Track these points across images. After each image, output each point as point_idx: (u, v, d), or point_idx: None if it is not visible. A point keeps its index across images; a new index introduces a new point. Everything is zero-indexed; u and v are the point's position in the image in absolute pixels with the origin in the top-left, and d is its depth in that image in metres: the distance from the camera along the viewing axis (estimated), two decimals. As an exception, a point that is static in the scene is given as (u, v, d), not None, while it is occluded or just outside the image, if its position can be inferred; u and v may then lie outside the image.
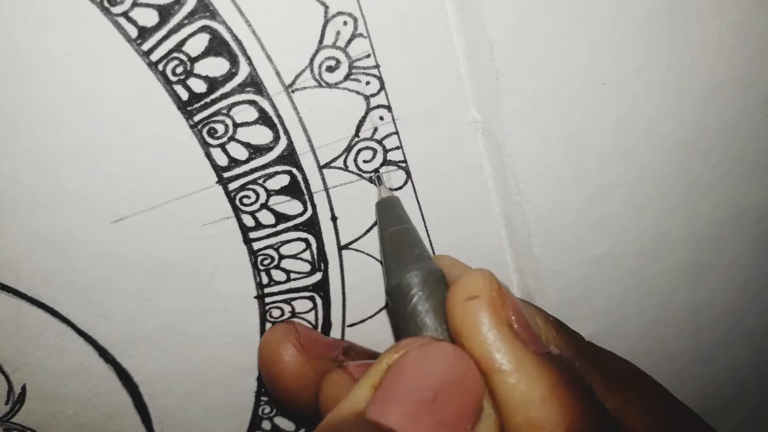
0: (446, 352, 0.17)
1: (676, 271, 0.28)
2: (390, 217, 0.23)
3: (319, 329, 0.26)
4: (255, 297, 0.25)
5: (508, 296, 0.18)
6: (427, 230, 0.25)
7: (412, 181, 0.25)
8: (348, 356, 0.25)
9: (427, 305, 0.19)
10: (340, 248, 0.25)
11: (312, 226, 0.25)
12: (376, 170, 0.24)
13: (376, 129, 0.23)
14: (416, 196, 0.25)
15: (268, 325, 0.26)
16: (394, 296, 0.20)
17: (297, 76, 0.22)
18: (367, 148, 0.24)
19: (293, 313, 0.26)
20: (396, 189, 0.25)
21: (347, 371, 0.23)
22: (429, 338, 0.18)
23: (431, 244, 0.26)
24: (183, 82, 0.21)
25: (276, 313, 0.26)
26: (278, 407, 0.27)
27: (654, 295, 0.28)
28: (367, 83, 0.22)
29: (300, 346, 0.23)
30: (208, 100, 0.22)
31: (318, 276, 0.26)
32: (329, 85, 0.22)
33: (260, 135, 0.22)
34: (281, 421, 0.28)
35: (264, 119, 0.22)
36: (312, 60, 0.22)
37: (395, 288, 0.20)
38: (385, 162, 0.24)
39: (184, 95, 0.21)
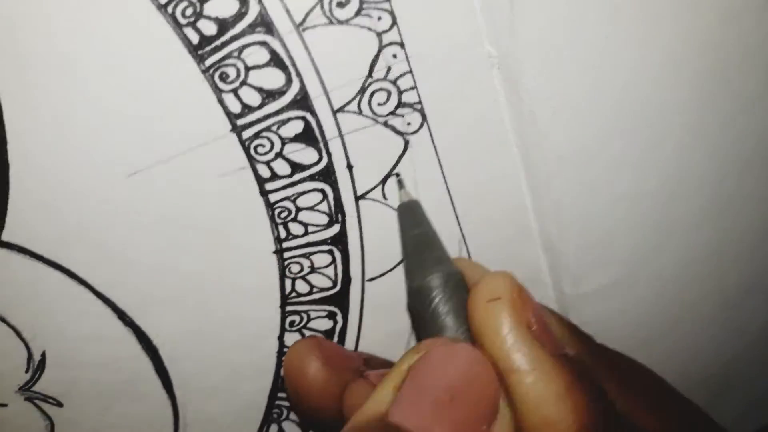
0: (464, 353, 0.18)
1: (698, 209, 0.28)
2: (411, 220, 0.23)
3: (339, 284, 0.26)
4: (274, 252, 0.25)
5: (528, 298, 0.19)
6: (444, 174, 0.25)
7: (427, 124, 0.24)
8: (369, 366, 0.25)
9: (448, 307, 0.20)
10: (357, 198, 0.25)
11: (328, 175, 0.24)
12: (397, 174, 0.24)
13: (389, 68, 0.23)
14: (432, 139, 0.25)
15: (287, 281, 0.25)
16: (416, 298, 0.21)
17: (307, 14, 0.21)
18: (381, 89, 0.23)
19: (312, 268, 0.25)
20: (412, 133, 0.24)
21: (368, 380, 0.23)
22: (448, 339, 0.19)
23: (447, 188, 0.25)
24: (193, 25, 0.21)
25: (295, 268, 0.25)
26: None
27: (677, 235, 0.28)
28: (379, 18, 0.22)
29: (323, 359, 0.24)
30: (218, 42, 0.21)
31: (336, 228, 0.25)
32: (340, 22, 0.22)
33: (272, 78, 0.22)
34: (305, 382, 0.27)
35: (275, 61, 0.22)
36: (322, -3, 0.21)
37: (417, 290, 0.21)
38: (400, 104, 0.24)
39: (195, 38, 0.21)
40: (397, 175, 0.24)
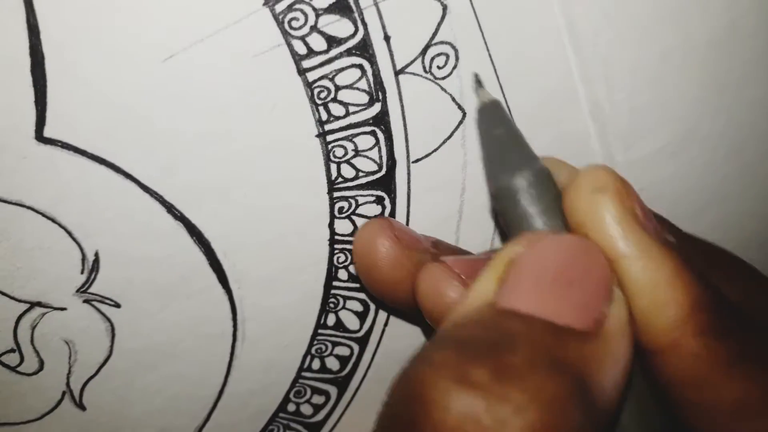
0: (573, 242, 0.18)
1: (751, 61, 0.26)
2: (492, 120, 0.22)
3: (384, 168, 0.25)
4: (316, 135, 0.24)
5: (631, 188, 0.19)
6: (485, 41, 0.24)
7: (464, -15, 0.23)
8: (438, 250, 0.25)
9: (540, 205, 0.20)
10: (396, 73, 0.24)
11: (365, 48, 0.23)
12: (476, 74, 0.24)
13: None
14: (471, 4, 0.24)
15: (332, 166, 0.25)
16: (504, 198, 0.20)
17: None
18: (415, -52, 0.22)
19: (356, 151, 0.25)
20: (449, -4, 0.23)
21: (446, 264, 0.23)
22: (550, 232, 0.19)
23: (490, 55, 0.24)
24: None
25: (339, 152, 0.25)
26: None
27: (729, 91, 0.27)
28: None
29: (395, 237, 0.24)
30: None
31: (377, 107, 0.24)
32: None
33: (302, -58, 0.21)
34: (357, 269, 0.27)
35: None
36: None
37: (503, 190, 0.20)
38: (435, -35, 0.23)
39: None
40: (476, 75, 0.24)
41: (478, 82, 0.23)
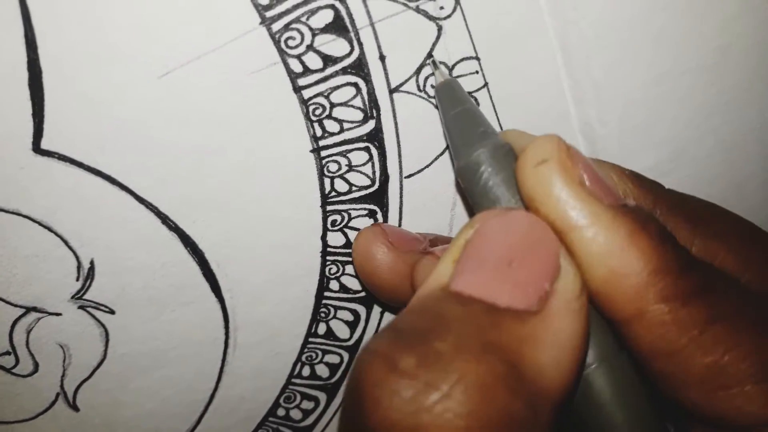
0: (518, 218, 0.18)
1: (740, 86, 0.27)
2: (451, 99, 0.23)
3: (377, 182, 0.26)
4: (311, 151, 0.25)
5: (577, 155, 0.18)
6: (479, 61, 0.24)
7: (461, 7, 0.23)
8: (436, 246, 0.25)
9: (498, 179, 0.20)
10: (391, 91, 0.24)
11: (360, 67, 0.24)
12: (431, 55, 0.24)
13: (419, -54, 0.22)
14: (466, 24, 0.24)
15: (326, 180, 0.25)
16: (465, 175, 0.21)
17: None
18: (410, -28, 0.22)
19: (350, 167, 0.25)
20: (444, 18, 0.23)
21: (435, 255, 0.24)
22: (501, 209, 0.18)
23: (483, 75, 0.25)
24: None
25: (333, 167, 0.25)
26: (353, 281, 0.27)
27: (718, 114, 0.27)
28: None
29: (389, 243, 0.24)
30: (242, -73, 0.20)
31: (371, 124, 0.25)
32: None
33: (300, -36, 0.21)
34: (348, 280, 0.27)
35: (302, -56, 0.21)
36: None
37: (465, 167, 0.20)
38: (431, -13, 0.23)
39: (218, -76, 0.20)
40: (431, 55, 0.24)
41: (434, 63, 0.24)
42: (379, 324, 0.29)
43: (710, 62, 0.26)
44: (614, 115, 0.26)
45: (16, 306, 0.25)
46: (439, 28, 0.24)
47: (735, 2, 0.25)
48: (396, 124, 0.25)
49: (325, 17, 0.22)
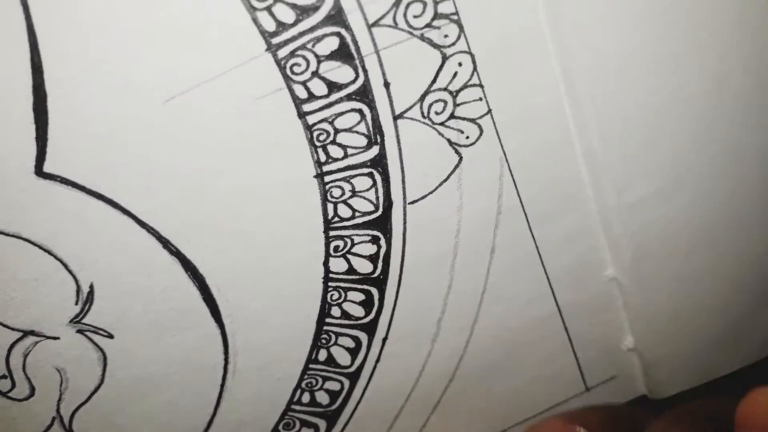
0: None
1: (739, 112, 0.27)
2: None
3: (381, 209, 0.26)
4: (314, 176, 0.25)
5: None
6: (483, 87, 0.24)
7: (465, 35, 0.24)
8: None
9: None
10: (395, 118, 0.24)
11: (365, 94, 0.24)
12: (434, 81, 0.23)
13: (424, -24, 0.22)
14: (470, 52, 0.24)
15: (329, 205, 0.25)
16: None
17: None
18: (416, 0, 0.23)
19: (353, 192, 0.25)
20: (449, 45, 0.24)
21: None
22: None
23: (487, 102, 0.25)
24: (223, -63, 0.20)
25: (336, 192, 0.25)
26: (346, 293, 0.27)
27: (718, 141, 0.27)
28: None
29: None
30: (250, -45, 0.21)
31: (375, 150, 0.25)
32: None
33: (306, -9, 0.21)
34: (349, 307, 0.27)
35: (309, -27, 0.21)
36: None
37: None
38: (436, 15, 0.23)
39: (226, -49, 0.20)
40: (435, 81, 0.24)
41: None
42: (380, 352, 0.29)
43: (710, 90, 0.26)
44: (617, 141, 0.26)
45: (13, 329, 0.25)
46: (443, 56, 0.24)
47: (734, 29, 0.25)
48: (400, 150, 0.25)
49: (331, 44, 0.23)
